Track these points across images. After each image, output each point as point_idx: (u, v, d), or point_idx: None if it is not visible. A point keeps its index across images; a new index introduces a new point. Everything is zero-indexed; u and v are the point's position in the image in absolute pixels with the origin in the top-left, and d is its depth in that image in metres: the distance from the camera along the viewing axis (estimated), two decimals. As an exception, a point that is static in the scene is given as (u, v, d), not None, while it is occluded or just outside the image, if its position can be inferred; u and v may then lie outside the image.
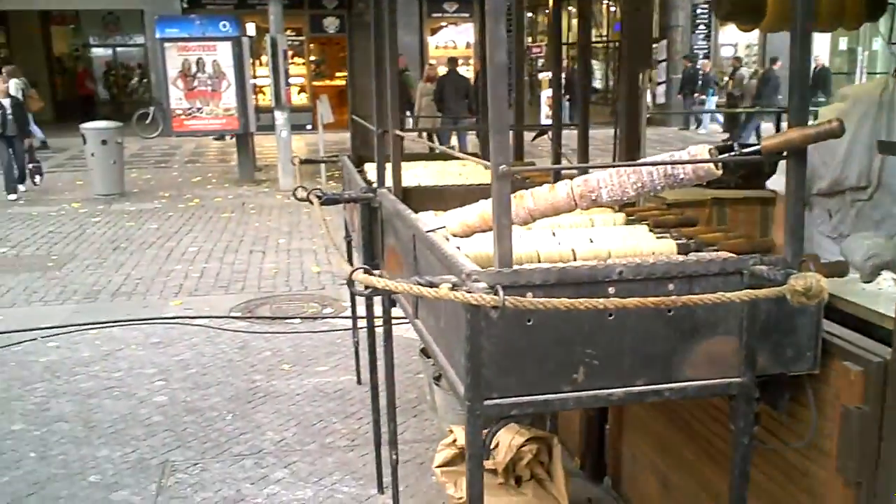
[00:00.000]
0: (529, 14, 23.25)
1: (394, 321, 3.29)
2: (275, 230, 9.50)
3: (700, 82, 20.46)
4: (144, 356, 5.41)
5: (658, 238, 2.38)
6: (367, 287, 1.70)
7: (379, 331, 3.60)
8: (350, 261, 4.67)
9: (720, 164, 1.92)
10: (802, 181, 1.91)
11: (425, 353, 4.21)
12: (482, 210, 2.11)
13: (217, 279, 7.34)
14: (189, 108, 12.65)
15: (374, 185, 3.28)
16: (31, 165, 12.23)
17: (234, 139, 13.83)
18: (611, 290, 1.79)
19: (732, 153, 1.92)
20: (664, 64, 22.63)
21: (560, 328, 1.78)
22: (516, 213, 2.09)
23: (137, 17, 22.01)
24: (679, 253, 2.22)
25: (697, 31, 22.36)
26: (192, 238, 9.10)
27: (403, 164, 3.69)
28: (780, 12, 4.07)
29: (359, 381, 4.82)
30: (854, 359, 1.85)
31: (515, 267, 1.81)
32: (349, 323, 5.85)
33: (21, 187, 11.90)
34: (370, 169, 4.07)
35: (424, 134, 12.64)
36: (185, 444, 4.11)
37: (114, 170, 12.01)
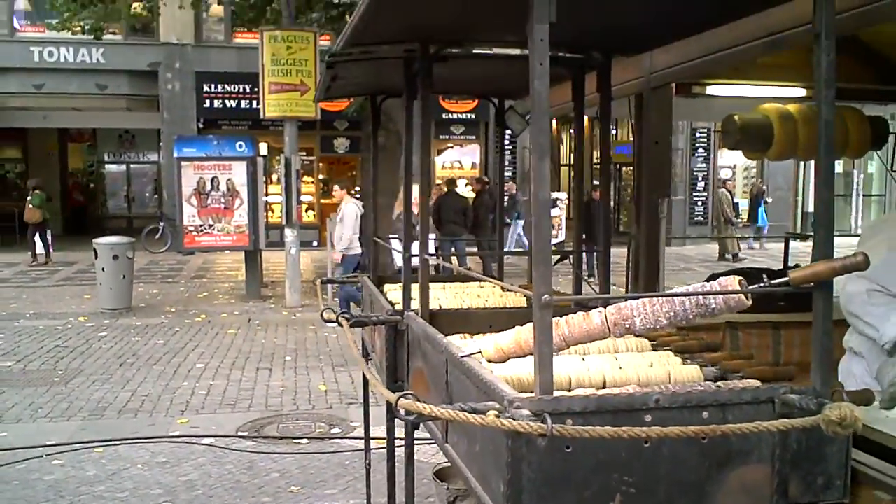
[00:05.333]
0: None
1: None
2: (281, 347, 9.52)
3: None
4: (150, 476, 5.34)
5: (684, 364, 2.43)
6: (410, 413, 1.74)
7: (399, 453, 3.60)
8: (366, 379, 4.69)
9: (749, 295, 2.00)
10: (829, 312, 1.97)
11: (439, 476, 4.17)
12: (517, 335, 2.17)
13: (224, 397, 7.31)
14: (201, 225, 12.89)
15: (399, 307, 3.34)
16: None
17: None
18: (647, 417, 1.82)
19: (763, 284, 1.99)
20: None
21: (598, 455, 1.80)
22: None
23: (153, 135, 22.69)
24: (706, 380, 2.27)
25: (697, 154, 23.00)
26: (199, 354, 9.11)
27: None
28: (788, 142, 4.26)
29: (368, 505, 4.75)
30: (884, 487, 1.87)
31: (556, 394, 1.85)
32: (358, 444, 5.82)
33: None
34: (390, 290, 4.15)
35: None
36: (193, 570, 4.03)
37: (123, 284, 12.10)
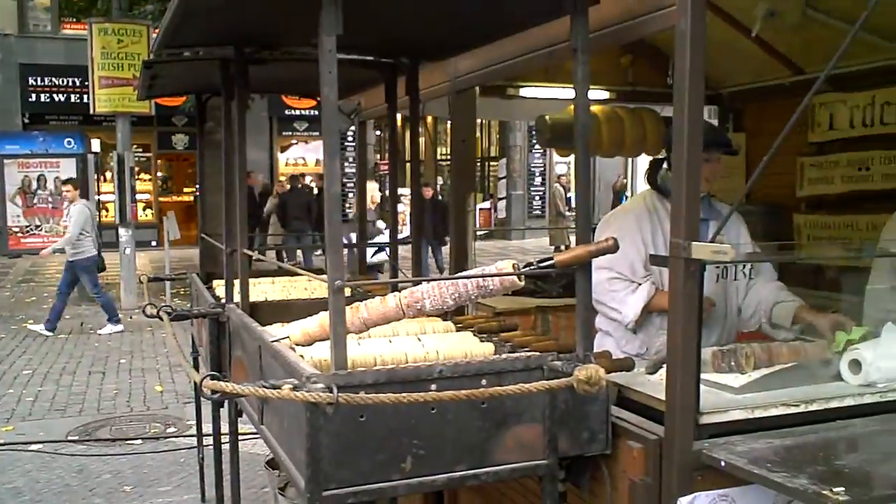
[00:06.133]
0: (378, 132, 24.17)
1: (239, 437, 3.41)
2: (116, 350, 9.27)
3: None
4: (-28, 487, 5.15)
5: (481, 342, 2.70)
6: (215, 392, 1.90)
7: (225, 446, 3.70)
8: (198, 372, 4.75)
9: (523, 277, 2.28)
10: (590, 289, 2.29)
11: (271, 465, 4.30)
12: (322, 320, 2.36)
13: (53, 402, 7.08)
14: (27, 226, 12.28)
15: (223, 300, 3.45)
16: None
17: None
18: (433, 386, 2.06)
19: (531, 266, 2.28)
20: (504, 181, 24.08)
21: (390, 422, 2.02)
22: (352, 322, 2.35)
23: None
24: (496, 353, 2.54)
25: (534, 151, 23.94)
26: (27, 361, 8.73)
27: (252, 281, 3.90)
28: (592, 141, 4.68)
29: (203, 500, 4.80)
30: (636, 438, 2.20)
31: (350, 369, 2.06)
32: (193, 441, 5.83)
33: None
34: (219, 285, 4.24)
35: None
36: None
37: (-61, 291, 11.38)
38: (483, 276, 2.25)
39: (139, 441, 5.95)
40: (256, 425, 2.65)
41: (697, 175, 2.11)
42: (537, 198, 24.08)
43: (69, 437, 6.04)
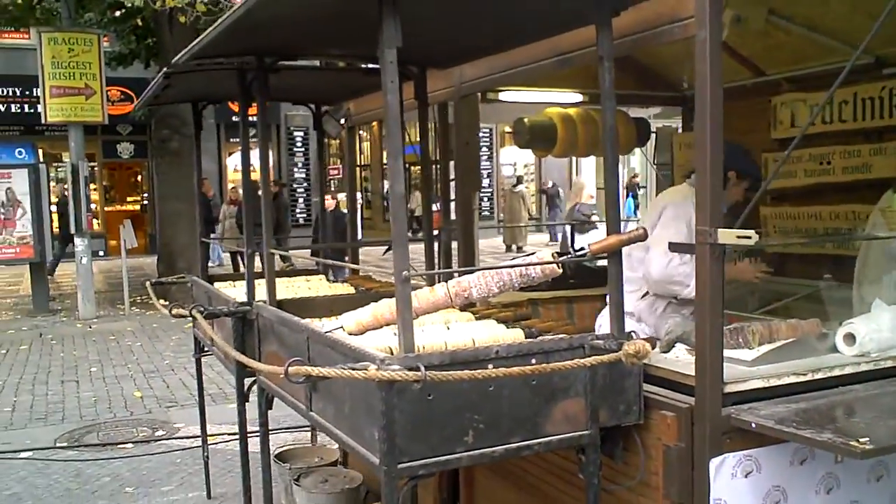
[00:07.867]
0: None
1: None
2: (83, 359, 9.21)
3: None
4: (-30, 496, 5.15)
5: (508, 328, 2.91)
6: (302, 376, 2.08)
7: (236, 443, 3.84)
8: (200, 374, 4.88)
9: (561, 264, 2.50)
10: (621, 275, 2.52)
11: (280, 458, 4.44)
12: (374, 311, 2.54)
13: (32, 411, 7.05)
14: (-22, 237, 12.06)
15: (240, 300, 3.56)
16: None
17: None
18: (490, 366, 2.26)
19: (569, 255, 2.51)
20: (454, 183, 24.31)
21: (454, 400, 2.22)
22: (403, 312, 2.54)
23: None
24: (526, 338, 2.76)
25: (481, 153, 24.24)
26: (-9, 373, 8.63)
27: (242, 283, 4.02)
28: (569, 141, 4.94)
29: (209, 496, 4.90)
30: (668, 408, 2.43)
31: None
32: (185, 444, 5.92)
33: None
34: (221, 287, 4.37)
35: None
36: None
37: None
38: (527, 264, 2.46)
39: (130, 445, 5.99)
40: (304, 413, 2.81)
41: (720, 170, 2.35)
42: (485, 199, 24.39)
43: (58, 444, 6.05)
